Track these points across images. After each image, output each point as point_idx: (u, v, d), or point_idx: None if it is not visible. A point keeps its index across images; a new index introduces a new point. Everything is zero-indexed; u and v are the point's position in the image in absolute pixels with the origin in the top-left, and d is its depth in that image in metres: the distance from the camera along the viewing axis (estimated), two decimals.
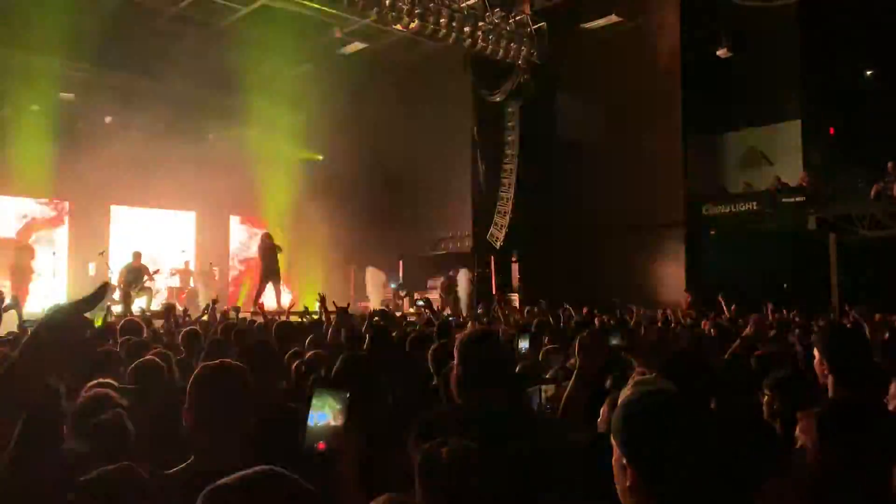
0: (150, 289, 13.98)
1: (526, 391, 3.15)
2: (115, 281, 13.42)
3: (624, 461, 1.53)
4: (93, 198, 15.25)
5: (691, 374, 2.58)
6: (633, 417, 1.54)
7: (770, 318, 8.40)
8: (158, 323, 8.04)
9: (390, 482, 1.87)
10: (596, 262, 17.69)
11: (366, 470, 2.04)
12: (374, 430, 2.44)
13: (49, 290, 14.41)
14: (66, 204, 15.57)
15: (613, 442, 1.58)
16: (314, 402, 1.78)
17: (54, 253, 14.83)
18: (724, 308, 9.51)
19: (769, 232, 15.25)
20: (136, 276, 13.67)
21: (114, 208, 16.66)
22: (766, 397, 2.87)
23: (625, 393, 1.61)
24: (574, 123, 17.13)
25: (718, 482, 1.54)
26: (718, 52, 15.47)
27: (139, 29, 13.76)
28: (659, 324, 9.03)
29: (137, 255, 14.10)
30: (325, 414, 1.77)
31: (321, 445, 1.75)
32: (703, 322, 8.60)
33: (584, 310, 9.97)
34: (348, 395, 1.79)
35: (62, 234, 15.69)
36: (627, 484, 1.52)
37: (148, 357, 3.95)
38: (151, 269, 13.90)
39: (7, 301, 7.61)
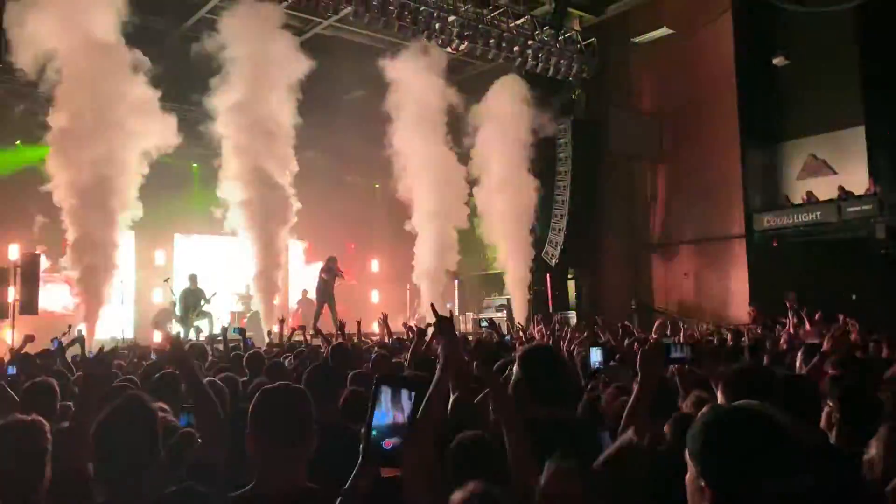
0: (209, 312, 14.32)
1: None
2: (178, 308, 13.81)
3: (702, 483, 1.49)
4: (157, 226, 15.72)
5: (759, 390, 2.52)
6: (714, 437, 1.51)
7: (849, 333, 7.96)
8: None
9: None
10: (653, 277, 17.45)
11: (434, 467, 2.03)
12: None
13: (117, 317, 14.90)
14: (133, 233, 16.11)
15: (690, 462, 1.54)
16: (379, 400, 1.78)
17: (122, 281, 15.34)
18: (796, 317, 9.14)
19: (835, 242, 14.77)
20: (193, 299, 14.00)
21: (177, 236, 17.17)
22: (828, 407, 2.79)
23: (701, 413, 1.58)
24: (627, 138, 16.98)
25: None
26: (774, 61, 15.17)
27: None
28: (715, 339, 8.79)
29: (193, 279, 14.43)
30: (389, 412, 1.77)
31: (388, 443, 1.75)
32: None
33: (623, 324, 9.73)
34: (414, 393, 1.79)
35: (129, 261, 16.22)
36: None
37: (209, 380, 4.03)
38: (208, 293, 14.25)
39: (74, 334, 7.88)
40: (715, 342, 8.14)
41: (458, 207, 16.14)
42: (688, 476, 1.55)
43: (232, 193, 14.11)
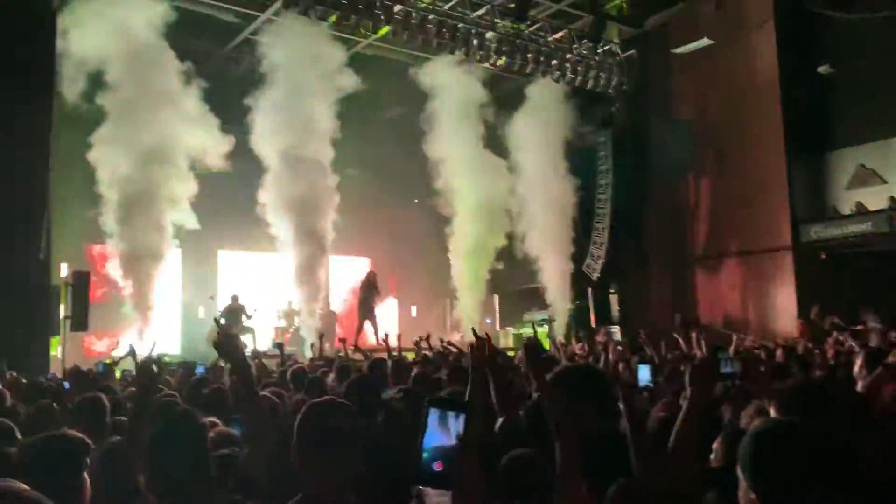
0: (251, 328, 14.53)
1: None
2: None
3: (752, 496, 1.50)
4: (201, 243, 16.00)
5: (816, 407, 2.44)
6: (765, 451, 1.52)
7: None
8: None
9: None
10: (698, 290, 17.17)
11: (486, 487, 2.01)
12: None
13: (163, 333, 15.17)
14: (179, 250, 16.41)
15: (741, 475, 1.54)
16: (429, 422, 1.78)
17: (170, 297, 15.63)
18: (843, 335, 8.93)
19: (886, 254, 14.37)
20: (235, 316, 14.24)
21: (221, 252, 17.46)
22: None
23: (753, 426, 1.58)
24: (669, 149, 16.79)
25: None
26: (820, 69, 14.87)
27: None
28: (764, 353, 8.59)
29: (235, 297, 14.77)
30: (440, 434, 1.77)
31: (438, 465, 1.74)
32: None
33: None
34: (464, 415, 1.78)
35: (176, 278, 16.52)
36: None
37: (263, 394, 4.07)
38: (249, 310, 14.46)
39: (126, 350, 8.02)
40: (762, 356, 7.96)
41: (499, 220, 16.17)
42: (740, 491, 1.55)
43: (273, 212, 14.32)
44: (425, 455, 1.76)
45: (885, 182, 15.10)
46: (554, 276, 16.67)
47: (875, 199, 14.84)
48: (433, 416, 1.79)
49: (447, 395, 3.32)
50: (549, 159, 15.90)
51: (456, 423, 1.77)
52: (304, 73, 13.53)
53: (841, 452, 1.50)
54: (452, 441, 1.76)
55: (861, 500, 1.47)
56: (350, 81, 13.76)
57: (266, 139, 13.68)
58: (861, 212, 14.85)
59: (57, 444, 2.49)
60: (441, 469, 1.74)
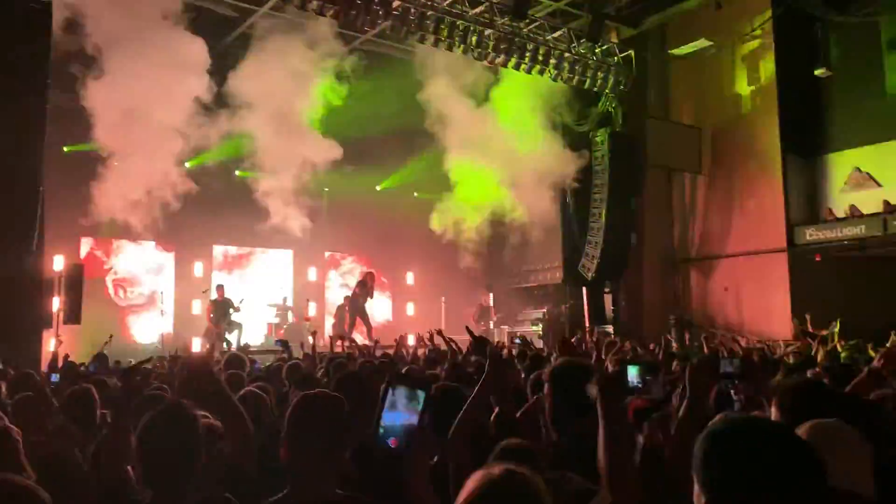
0: (239, 323, 14.45)
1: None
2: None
3: (703, 500, 1.40)
4: (195, 238, 15.94)
5: (817, 407, 2.41)
6: (716, 449, 1.41)
7: None
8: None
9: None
10: (692, 291, 17.20)
11: (437, 471, 2.01)
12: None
13: (157, 327, 15.16)
14: (171, 245, 16.36)
15: (694, 476, 1.43)
16: (389, 399, 1.79)
17: (161, 292, 15.58)
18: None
19: (880, 257, 14.41)
20: (222, 310, 14.14)
21: (215, 248, 17.43)
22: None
23: (711, 423, 1.49)
24: (665, 150, 16.78)
25: None
26: (817, 72, 14.89)
27: None
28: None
29: (220, 289, 14.59)
30: (400, 412, 1.78)
31: (394, 442, 1.75)
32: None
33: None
34: (425, 394, 1.79)
35: (168, 273, 16.48)
36: None
37: (248, 389, 4.06)
38: (236, 302, 14.34)
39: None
40: (755, 358, 7.97)
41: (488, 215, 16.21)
42: (694, 495, 1.44)
43: (268, 206, 14.30)
44: (381, 431, 1.77)
45: (880, 185, 15.13)
46: (548, 275, 16.68)
47: (870, 202, 14.88)
48: (395, 392, 1.80)
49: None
50: (541, 156, 15.84)
51: (416, 402, 1.78)
52: (298, 69, 13.55)
53: (804, 452, 1.42)
54: (411, 419, 1.76)
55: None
56: (346, 78, 13.79)
57: (259, 135, 13.68)
58: (855, 215, 14.89)
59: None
60: (396, 446, 1.75)
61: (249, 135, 13.73)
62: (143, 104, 12.25)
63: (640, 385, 4.93)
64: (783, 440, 1.42)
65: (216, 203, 14.94)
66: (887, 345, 7.03)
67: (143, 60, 12.01)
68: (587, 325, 16.04)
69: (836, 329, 10.03)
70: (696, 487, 1.43)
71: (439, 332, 8.68)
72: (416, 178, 17.58)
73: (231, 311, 14.24)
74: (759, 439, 1.40)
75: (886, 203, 14.43)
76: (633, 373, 4.99)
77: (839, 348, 8.66)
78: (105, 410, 4.11)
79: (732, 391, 3.61)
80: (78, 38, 11.87)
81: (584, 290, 17.09)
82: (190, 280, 16.19)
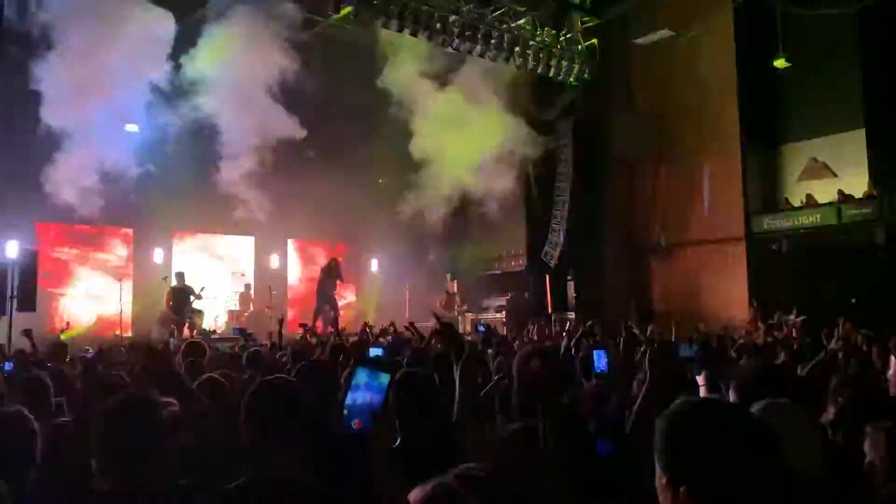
0: (200, 310, 14.28)
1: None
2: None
3: (664, 480, 1.41)
4: (155, 225, 15.64)
5: (772, 389, 2.46)
6: (675, 430, 1.42)
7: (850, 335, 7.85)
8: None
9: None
10: (653, 278, 17.45)
11: (397, 454, 2.01)
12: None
13: (117, 315, 14.86)
14: (130, 231, 16.03)
15: (656, 461, 1.44)
16: (354, 381, 1.79)
17: (120, 279, 15.27)
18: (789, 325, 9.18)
19: (834, 245, 14.75)
20: (182, 297, 13.95)
21: (176, 233, 17.12)
22: (832, 410, 2.76)
23: (671, 406, 1.49)
24: (628, 139, 16.96)
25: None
26: (775, 63, 15.14)
27: None
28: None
29: (180, 276, 14.35)
30: (364, 394, 1.78)
31: (357, 424, 1.75)
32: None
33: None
34: (389, 377, 1.79)
35: (127, 259, 16.16)
36: None
37: (209, 375, 4.02)
38: (197, 289, 14.15)
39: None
40: (713, 344, 8.12)
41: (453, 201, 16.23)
42: (656, 479, 1.45)
43: (232, 192, 14.12)
44: (346, 413, 1.77)
45: (836, 175, 15.50)
46: (513, 262, 16.76)
47: (825, 191, 15.23)
48: (360, 375, 1.80)
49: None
50: (504, 143, 15.86)
51: (381, 384, 1.78)
52: (259, 50, 13.37)
53: (762, 432, 1.44)
54: (375, 401, 1.77)
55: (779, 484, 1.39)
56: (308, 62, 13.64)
57: (220, 117, 13.50)
58: (811, 204, 15.22)
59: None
60: (359, 428, 1.75)
61: (211, 115, 13.50)
62: (97, 82, 11.99)
63: (605, 370, 4.98)
64: (741, 420, 1.45)
65: (177, 187, 14.65)
66: (838, 331, 7.21)
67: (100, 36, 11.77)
68: (549, 311, 16.17)
69: (794, 317, 10.27)
70: (658, 469, 1.44)
71: (412, 325, 8.69)
72: (381, 164, 17.45)
73: (192, 298, 14.05)
74: (718, 420, 1.42)
75: (841, 192, 14.77)
76: (600, 358, 5.02)
77: (794, 335, 8.87)
78: (60, 398, 4.02)
79: (698, 378, 3.69)
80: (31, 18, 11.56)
81: (547, 277, 17.21)
82: (149, 266, 15.88)
